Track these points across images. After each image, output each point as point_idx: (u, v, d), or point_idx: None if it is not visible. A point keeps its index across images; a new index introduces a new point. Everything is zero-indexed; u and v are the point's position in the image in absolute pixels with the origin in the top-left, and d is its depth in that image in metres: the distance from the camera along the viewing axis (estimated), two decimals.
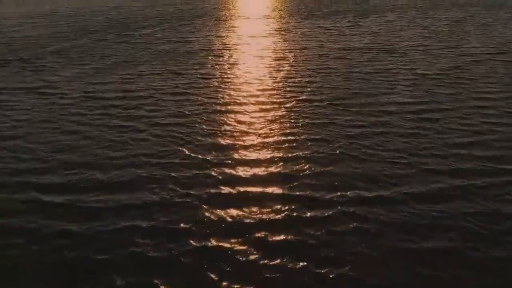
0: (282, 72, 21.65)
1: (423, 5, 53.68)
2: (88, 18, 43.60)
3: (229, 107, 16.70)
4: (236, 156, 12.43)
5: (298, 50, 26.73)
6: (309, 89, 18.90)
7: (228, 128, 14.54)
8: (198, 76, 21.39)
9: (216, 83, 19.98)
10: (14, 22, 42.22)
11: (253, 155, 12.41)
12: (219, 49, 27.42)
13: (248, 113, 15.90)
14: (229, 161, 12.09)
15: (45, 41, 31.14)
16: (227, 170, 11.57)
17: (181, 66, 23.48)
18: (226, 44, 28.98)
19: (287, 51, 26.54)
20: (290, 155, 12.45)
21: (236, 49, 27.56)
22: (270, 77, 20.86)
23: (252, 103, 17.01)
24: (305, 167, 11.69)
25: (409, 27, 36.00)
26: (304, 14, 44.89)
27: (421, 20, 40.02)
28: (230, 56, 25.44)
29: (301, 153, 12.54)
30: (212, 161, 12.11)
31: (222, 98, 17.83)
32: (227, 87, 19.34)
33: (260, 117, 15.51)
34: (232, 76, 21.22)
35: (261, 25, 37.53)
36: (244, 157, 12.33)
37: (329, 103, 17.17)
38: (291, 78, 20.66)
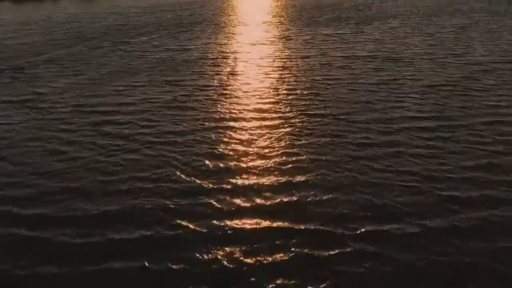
0: (283, 83, 20.70)
1: (426, 12, 52.75)
2: (85, 25, 42.66)
3: (227, 123, 15.74)
4: (235, 181, 11.45)
5: (300, 59, 25.79)
6: (312, 102, 17.95)
7: (227, 147, 13.58)
8: (196, 87, 20.44)
9: (215, 96, 19.03)
10: (9, 28, 41.28)
11: (253, 181, 11.44)
12: (218, 58, 26.48)
13: (247, 130, 14.95)
14: (228, 187, 11.13)
15: (39, 49, 30.20)
16: (225, 199, 10.61)
17: (179, 76, 22.53)
18: (225, 52, 28.03)
19: (288, 59, 25.60)
20: (293, 180, 11.49)
21: (235, 57, 26.62)
22: (271, 88, 19.92)
23: (252, 118, 16.06)
24: (309, 194, 10.73)
25: (413, 34, 35.06)
26: (305, 21, 43.97)
27: (425, 27, 39.08)
28: (229, 66, 24.50)
29: (304, 178, 11.58)
30: (209, 187, 11.14)
31: (221, 112, 16.88)
32: (226, 100, 18.38)
33: (261, 134, 14.55)
34: (231, 87, 20.27)
35: (261, 32, 36.59)
36: (243, 183, 11.36)
37: (334, 117, 16.22)
38: (293, 89, 19.71)
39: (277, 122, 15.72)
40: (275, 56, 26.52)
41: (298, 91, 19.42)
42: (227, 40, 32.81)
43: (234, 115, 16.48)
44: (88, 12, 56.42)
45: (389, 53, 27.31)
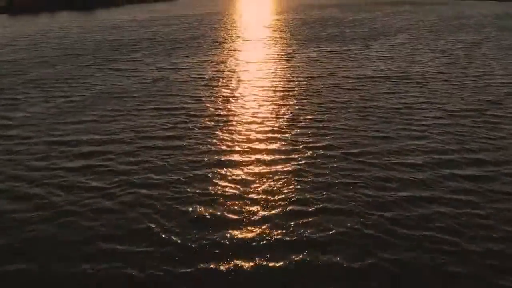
0: (285, 109, 18.55)
1: (433, 26, 50.86)
2: (77, 40, 40.60)
3: (223, 158, 13.61)
4: (228, 243, 9.24)
5: (304, 80, 23.68)
6: (318, 132, 15.82)
7: (220, 194, 11.38)
8: (190, 113, 18.30)
9: (210, 124, 16.89)
10: None
11: (252, 240, 9.24)
12: (215, 78, 24.35)
13: (244, 169, 12.80)
14: (221, 252, 8.91)
15: (23, 67, 28.10)
16: (215, 267, 8.41)
17: (171, 99, 20.41)
18: (223, 72, 25.91)
19: (291, 81, 23.49)
20: (297, 237, 9.37)
21: (234, 78, 24.50)
22: (272, 116, 17.76)
23: (251, 153, 13.94)
24: (318, 257, 8.59)
25: (423, 50, 33.03)
26: (308, 36, 42.01)
27: (434, 43, 37.06)
28: (227, 87, 22.37)
29: (312, 235, 9.47)
30: (196, 253, 8.92)
31: (216, 145, 14.74)
32: (222, 130, 16.22)
33: (261, 174, 12.40)
34: (229, 114, 18.12)
35: (261, 49, 34.56)
36: (241, 246, 9.15)
37: (343, 151, 14.09)
38: (297, 116, 17.58)
39: (278, 157, 13.58)
40: (276, 77, 24.39)
41: (302, 118, 17.29)
42: (225, 58, 30.73)
43: (230, 150, 14.34)
44: (83, 25, 54.50)
45: (400, 73, 25.22)
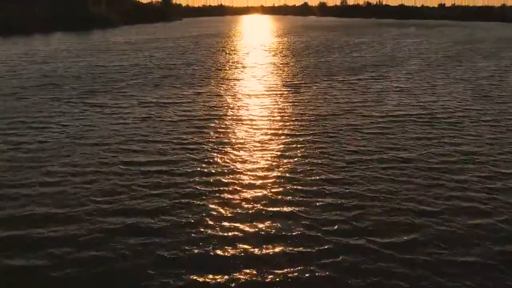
0: (292, 163, 14.51)
1: (447, 51, 47.28)
2: (59, 66, 36.73)
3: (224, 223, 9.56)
4: None
5: (314, 120, 19.75)
6: (336, 202, 11.77)
7: None
8: (175, 171, 14.16)
9: (201, 188, 12.75)
10: None
11: None
12: (208, 118, 20.35)
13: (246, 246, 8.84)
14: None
15: None
16: None
17: (152, 149, 16.26)
18: (217, 109, 21.94)
19: (299, 120, 19.57)
20: None
21: (230, 117, 20.50)
22: (277, 174, 13.66)
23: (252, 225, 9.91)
24: None
25: (445, 81, 29.24)
26: (315, 63, 38.40)
27: (454, 71, 33.35)
28: (222, 131, 18.32)
29: None
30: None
31: (210, 212, 10.69)
32: (216, 194, 12.12)
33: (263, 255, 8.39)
34: (223, 170, 14.01)
35: (263, 79, 30.73)
36: None
37: (368, 239, 10.01)
38: (307, 176, 13.48)
39: (287, 244, 9.57)
40: (280, 117, 20.33)
41: (312, 180, 13.19)
42: (221, 90, 26.80)
43: (226, 221, 10.29)
44: (72, 48, 50.99)
45: (425, 110, 21.39)
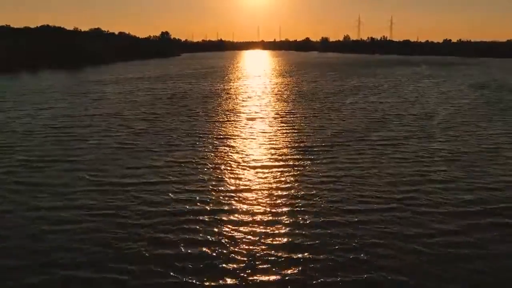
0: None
1: (482, 98, 40.70)
2: (31, 114, 30.18)
3: None
4: None
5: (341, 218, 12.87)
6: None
7: None
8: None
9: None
10: None
11: None
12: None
13: None
14: None
15: None
16: None
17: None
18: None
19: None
20: None
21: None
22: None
23: None
24: None
25: (503, 138, 22.36)
26: (331, 119, 31.52)
27: (502, 121, 26.49)
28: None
29: None
30: None
31: None
32: None
33: None
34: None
35: (267, 144, 23.92)
36: None
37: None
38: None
39: None
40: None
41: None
42: (212, 162, 19.99)
43: None
44: (53, 89, 44.51)
45: (504, 201, 14.42)
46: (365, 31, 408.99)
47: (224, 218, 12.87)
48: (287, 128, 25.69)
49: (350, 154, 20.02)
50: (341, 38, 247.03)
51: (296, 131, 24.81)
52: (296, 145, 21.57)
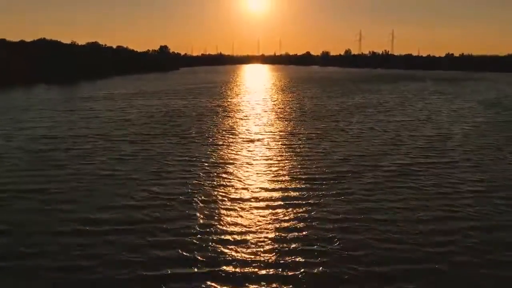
0: None
1: (496, 116, 38.18)
2: (6, 133, 27.60)
3: None
4: None
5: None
6: None
7: None
8: None
9: None
10: None
11: None
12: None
13: None
14: None
15: None
16: None
17: None
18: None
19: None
20: None
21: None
22: None
23: None
24: None
25: None
26: (346, 146, 28.96)
27: None
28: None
29: None
30: None
31: None
32: None
33: None
34: None
35: (269, 179, 21.34)
36: None
37: None
38: None
39: None
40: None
41: None
42: (204, 195, 17.35)
43: None
44: (41, 105, 41.94)
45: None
46: (366, 45, 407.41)
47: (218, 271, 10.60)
48: (289, 153, 23.01)
49: (362, 184, 17.40)
50: (342, 52, 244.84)
51: (299, 157, 22.14)
52: (300, 174, 18.87)
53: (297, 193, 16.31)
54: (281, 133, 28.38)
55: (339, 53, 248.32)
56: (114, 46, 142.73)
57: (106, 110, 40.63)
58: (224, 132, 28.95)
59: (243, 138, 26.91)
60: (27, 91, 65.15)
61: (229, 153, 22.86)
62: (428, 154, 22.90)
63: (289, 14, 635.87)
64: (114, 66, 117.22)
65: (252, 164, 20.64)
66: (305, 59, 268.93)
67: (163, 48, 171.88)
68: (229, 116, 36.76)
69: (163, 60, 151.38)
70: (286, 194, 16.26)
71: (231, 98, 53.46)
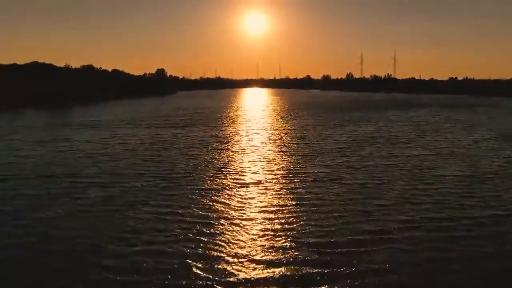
0: None
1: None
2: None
3: None
4: None
5: None
6: None
7: None
8: None
9: None
10: None
11: None
12: None
13: None
14: None
15: None
16: None
17: None
18: None
19: None
20: None
21: None
22: None
23: None
24: None
25: None
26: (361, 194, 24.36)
27: None
28: None
29: None
30: None
31: None
32: None
33: None
34: None
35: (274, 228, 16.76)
36: None
37: None
38: None
39: None
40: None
41: None
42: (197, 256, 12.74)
43: None
44: (16, 134, 37.56)
45: None
46: (367, 68, 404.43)
47: None
48: (295, 202, 18.34)
49: (393, 251, 12.70)
50: (343, 76, 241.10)
51: (309, 207, 17.49)
52: (312, 233, 14.21)
53: (308, 263, 11.61)
54: (283, 174, 23.66)
55: (340, 76, 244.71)
56: (110, 69, 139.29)
57: (85, 141, 36.10)
58: (215, 172, 24.32)
59: (237, 181, 22.24)
60: (10, 117, 60.99)
61: (219, 205, 18.18)
62: (464, 201, 18.29)
63: (289, 37, 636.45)
64: (109, 90, 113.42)
65: (246, 222, 15.97)
66: (306, 83, 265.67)
67: (160, 71, 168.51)
68: (224, 150, 32.16)
69: (160, 84, 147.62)
70: (294, 269, 11.56)
71: (227, 127, 49.01)
